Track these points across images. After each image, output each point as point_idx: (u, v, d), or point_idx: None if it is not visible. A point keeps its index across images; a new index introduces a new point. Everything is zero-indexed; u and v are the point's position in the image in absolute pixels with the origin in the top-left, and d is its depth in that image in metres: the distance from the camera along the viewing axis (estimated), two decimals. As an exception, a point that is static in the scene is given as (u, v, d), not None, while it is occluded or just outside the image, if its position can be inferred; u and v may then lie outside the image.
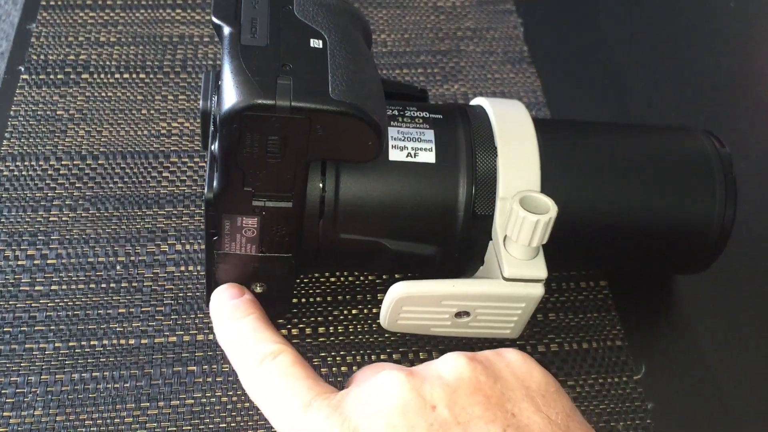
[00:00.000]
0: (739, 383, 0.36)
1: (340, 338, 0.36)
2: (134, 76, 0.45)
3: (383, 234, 0.32)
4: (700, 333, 0.38)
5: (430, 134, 0.32)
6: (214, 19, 0.29)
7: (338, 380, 0.35)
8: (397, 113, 0.32)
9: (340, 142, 0.28)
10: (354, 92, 0.27)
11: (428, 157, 0.31)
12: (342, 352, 0.36)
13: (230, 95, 0.26)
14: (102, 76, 0.45)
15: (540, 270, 0.30)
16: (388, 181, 0.31)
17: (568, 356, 0.36)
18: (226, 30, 0.28)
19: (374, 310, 0.37)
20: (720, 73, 0.50)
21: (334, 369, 0.35)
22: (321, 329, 0.36)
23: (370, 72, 0.29)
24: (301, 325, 0.36)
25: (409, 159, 0.31)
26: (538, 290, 0.31)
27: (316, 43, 0.28)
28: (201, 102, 0.32)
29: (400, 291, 0.30)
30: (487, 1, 0.52)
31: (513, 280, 0.30)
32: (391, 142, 0.31)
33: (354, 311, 0.37)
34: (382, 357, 0.36)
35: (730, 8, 0.54)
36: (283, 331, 0.36)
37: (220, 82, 0.28)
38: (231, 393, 0.34)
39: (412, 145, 0.31)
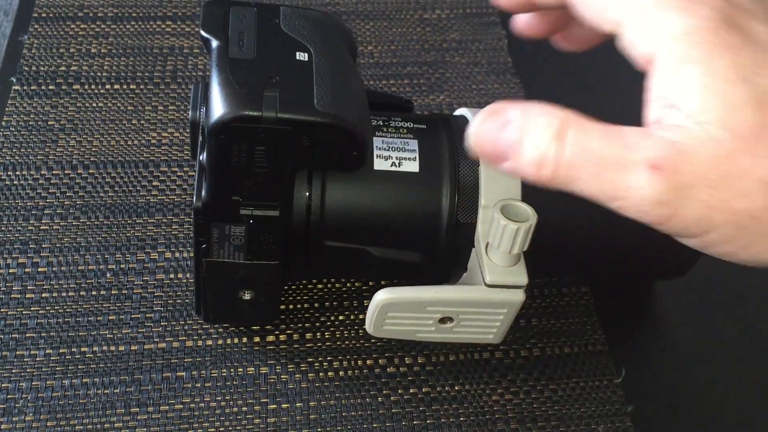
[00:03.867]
0: (718, 386, 0.37)
1: (327, 344, 0.37)
2: (125, 86, 0.46)
3: (368, 241, 0.33)
4: (680, 337, 0.39)
5: (414, 144, 0.33)
6: (203, 33, 0.29)
7: (325, 385, 0.36)
8: (381, 123, 0.33)
9: (326, 153, 0.29)
10: (339, 104, 0.28)
11: (412, 166, 0.32)
12: (329, 358, 0.36)
13: (218, 107, 0.27)
14: (93, 86, 0.46)
15: (521, 276, 0.31)
16: (372, 190, 0.32)
17: (550, 360, 0.37)
18: (214, 43, 0.29)
19: (360, 317, 0.38)
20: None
21: (321, 374, 0.36)
22: (308, 335, 0.37)
23: (354, 84, 0.30)
24: (288, 332, 0.37)
25: (394, 168, 0.32)
26: (519, 296, 0.31)
27: (301, 56, 0.29)
28: (190, 113, 0.32)
29: (384, 297, 0.31)
30: (473, 13, 0.53)
31: (495, 287, 0.31)
32: (375, 152, 0.32)
33: (341, 317, 0.38)
34: (368, 362, 0.36)
35: None
36: (270, 337, 0.37)
37: (207, 93, 0.28)
38: (219, 398, 0.35)
39: (396, 155, 0.32)
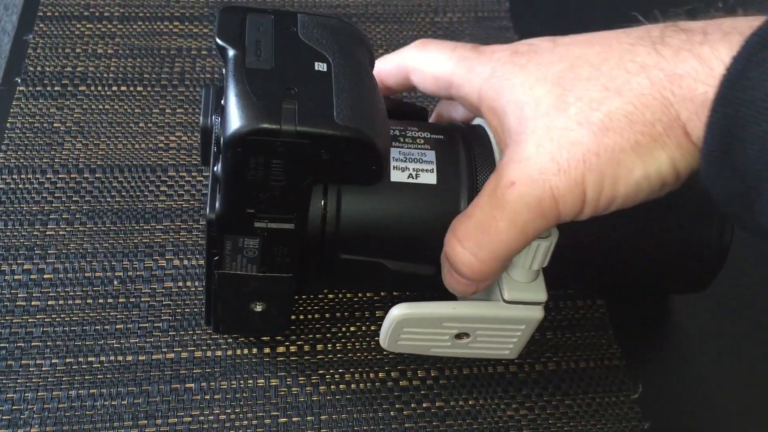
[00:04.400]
0: (737, 403, 0.36)
1: (339, 356, 0.36)
2: (132, 88, 0.45)
3: (384, 255, 0.32)
4: (698, 352, 0.38)
5: (431, 155, 0.32)
6: (218, 41, 0.29)
7: (336, 398, 0.35)
8: (398, 133, 0.32)
9: (344, 167, 0.28)
10: (359, 116, 0.27)
11: (429, 178, 0.31)
12: (341, 370, 0.36)
13: (235, 119, 0.26)
14: (99, 88, 0.45)
15: (540, 293, 0.31)
16: (389, 203, 0.31)
17: (566, 375, 0.37)
18: (231, 52, 0.28)
19: (372, 328, 0.37)
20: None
21: (332, 387, 0.35)
22: (319, 346, 0.36)
23: (374, 95, 0.29)
24: (299, 342, 0.36)
25: (411, 180, 0.31)
26: (538, 313, 0.31)
27: (320, 66, 0.28)
28: (201, 119, 0.32)
29: (400, 313, 0.30)
30: (485, 17, 0.52)
31: (513, 303, 0.31)
32: (392, 163, 0.31)
33: (352, 328, 0.37)
34: (380, 375, 0.36)
35: (717, 8, 0.54)
36: (281, 348, 0.36)
37: (224, 104, 0.27)
38: (229, 411, 0.34)
39: (413, 167, 0.31)
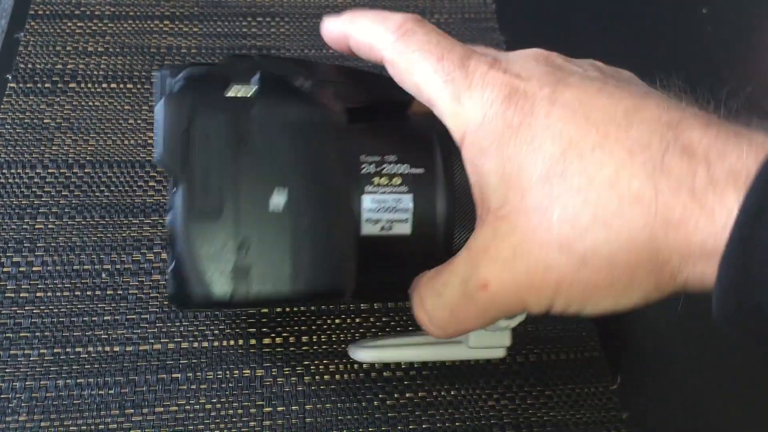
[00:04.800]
0: (713, 394, 0.37)
1: (323, 347, 0.37)
2: (122, 86, 0.46)
3: (355, 297, 0.32)
4: (676, 344, 0.39)
5: (407, 200, 0.29)
6: (162, 158, 0.27)
7: (321, 388, 0.35)
8: (374, 170, 0.29)
9: (306, 305, 0.29)
10: (318, 264, 0.27)
11: (403, 228, 0.29)
12: (325, 361, 0.36)
13: (183, 283, 0.26)
14: (89, 85, 0.45)
15: (505, 339, 0.32)
16: (359, 257, 0.29)
17: (546, 366, 0.37)
18: (179, 185, 0.27)
19: (357, 320, 0.38)
20: (693, 83, 0.51)
21: (317, 377, 0.36)
22: (305, 338, 0.37)
23: (338, 226, 0.28)
24: (285, 334, 0.37)
25: (383, 233, 0.29)
26: (500, 353, 0.33)
27: (278, 198, 0.27)
28: (155, 107, 0.29)
29: (361, 358, 0.34)
30: (471, 18, 0.53)
31: (477, 348, 0.32)
32: (364, 215, 0.29)
33: (337, 321, 0.38)
34: (364, 366, 0.36)
35: (702, 15, 0.55)
36: (266, 339, 0.37)
37: (173, 251, 0.27)
38: (215, 400, 0.35)
39: (387, 217, 0.29)
